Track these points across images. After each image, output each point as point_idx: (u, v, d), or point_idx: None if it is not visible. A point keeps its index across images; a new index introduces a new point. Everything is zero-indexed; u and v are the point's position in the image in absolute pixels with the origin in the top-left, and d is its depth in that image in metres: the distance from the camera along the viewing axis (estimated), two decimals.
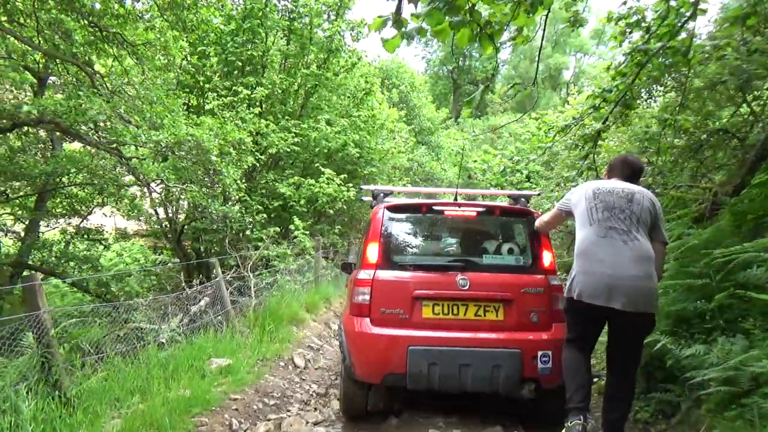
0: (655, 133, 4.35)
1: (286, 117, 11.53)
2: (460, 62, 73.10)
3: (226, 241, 9.85)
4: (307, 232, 10.03)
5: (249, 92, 10.68)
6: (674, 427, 3.71)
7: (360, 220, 14.86)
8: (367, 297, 3.98)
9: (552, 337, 3.86)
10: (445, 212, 4.38)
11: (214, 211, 9.43)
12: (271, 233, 10.06)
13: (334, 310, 9.32)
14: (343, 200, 11.26)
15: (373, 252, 4.14)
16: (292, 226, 9.80)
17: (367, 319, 3.95)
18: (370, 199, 5.16)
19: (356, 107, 12.60)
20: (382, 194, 4.86)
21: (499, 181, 11.38)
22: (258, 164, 11.00)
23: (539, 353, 3.79)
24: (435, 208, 4.36)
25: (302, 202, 10.79)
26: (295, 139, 10.83)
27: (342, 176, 11.19)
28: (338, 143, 11.73)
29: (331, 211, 11.06)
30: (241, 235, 10.52)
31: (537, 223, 3.81)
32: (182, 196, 10.11)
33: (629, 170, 3.43)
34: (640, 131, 4.93)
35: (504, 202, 5.04)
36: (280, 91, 11.66)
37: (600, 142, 4.51)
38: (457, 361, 3.77)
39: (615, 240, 3.08)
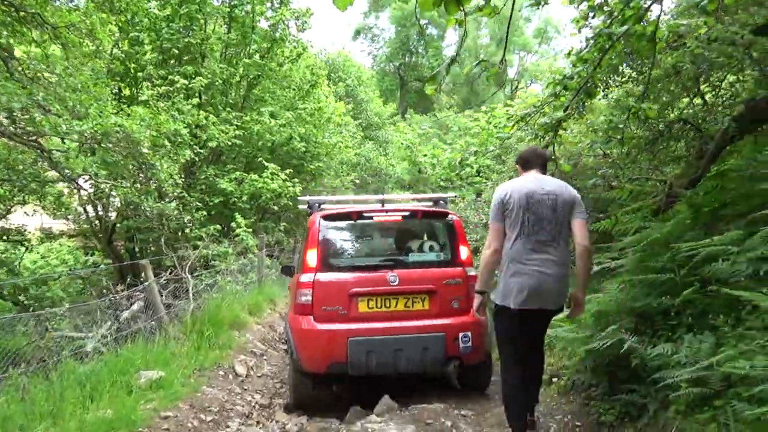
0: (619, 122, 4.18)
1: (228, 109, 10.92)
2: (406, 58, 73.34)
3: (162, 240, 9.21)
4: (250, 230, 9.51)
5: (186, 82, 10.02)
6: (641, 430, 3.52)
7: (306, 216, 14.44)
8: (310, 297, 4.51)
9: (471, 320, 4.42)
10: (374, 217, 4.90)
11: (147, 209, 8.78)
12: (211, 231, 9.48)
13: (280, 312, 8.85)
14: (288, 196, 10.77)
15: (312, 257, 4.65)
16: (233, 224, 9.25)
17: (311, 317, 4.48)
18: (307, 207, 5.65)
19: (302, 100, 12.12)
20: (316, 204, 5.40)
21: (449, 175, 11.19)
22: (197, 158, 10.37)
23: (460, 335, 4.45)
24: (365, 214, 4.89)
25: (245, 198, 10.24)
26: (237, 132, 10.25)
27: (287, 171, 10.69)
28: (283, 137, 11.23)
29: (276, 208, 10.55)
30: (179, 234, 9.88)
31: (493, 246, 3.38)
32: (113, 193, 9.36)
33: (542, 160, 3.62)
34: (602, 121, 4.78)
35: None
36: (220, 82, 11.04)
37: (560, 132, 4.29)
38: (391, 347, 4.36)
39: (541, 252, 3.32)
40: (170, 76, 10.01)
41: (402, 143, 11.73)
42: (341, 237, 5.07)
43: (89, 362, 4.77)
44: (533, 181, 3.43)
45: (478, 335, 4.48)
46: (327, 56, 21.81)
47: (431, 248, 4.98)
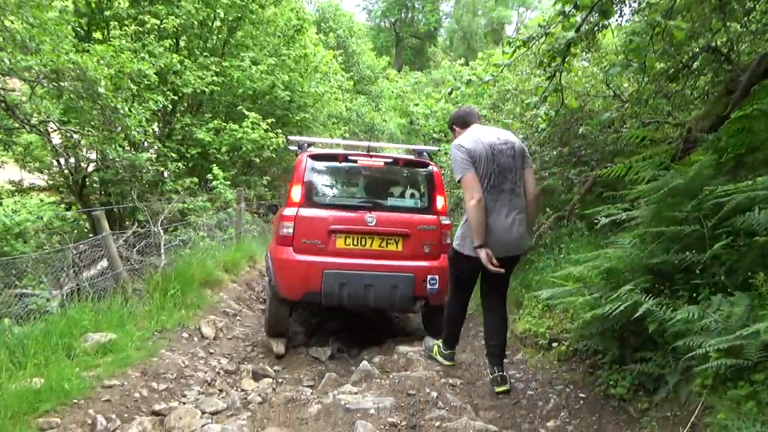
0: (642, 42, 3.54)
1: (205, 54, 10.11)
2: (402, 14, 71.30)
3: (134, 193, 8.58)
4: (228, 183, 8.88)
5: (158, 22, 9.19)
6: (659, 405, 3.01)
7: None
8: (291, 230, 4.75)
9: (440, 264, 4.73)
10: (359, 161, 5.08)
11: (117, 159, 8.11)
12: (188, 184, 8.86)
13: (260, 269, 8.31)
14: (271, 148, 10.09)
15: (296, 192, 4.88)
16: (209, 176, 8.61)
17: (291, 248, 4.74)
18: (296, 149, 5.79)
19: (286, 45, 11.28)
20: (306, 144, 5.63)
21: (443, 127, 10.52)
22: (171, 106, 9.64)
23: (428, 277, 4.72)
24: (350, 158, 5.06)
25: (223, 149, 9.56)
26: (215, 79, 9.49)
27: (269, 121, 9.98)
28: (265, 85, 10.46)
29: (257, 160, 9.89)
30: (155, 187, 9.25)
31: (475, 197, 3.31)
32: (81, 141, 8.67)
33: (477, 113, 3.77)
34: (620, 41, 4.13)
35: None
36: (196, 24, 10.19)
37: (569, 59, 3.65)
38: (363, 282, 4.63)
39: (504, 201, 3.40)
40: (140, 16, 9.17)
41: (392, 92, 10.94)
42: (325, 176, 5.24)
43: (30, 324, 4.20)
44: (488, 133, 3.48)
45: (444, 279, 4.58)
46: (317, 5, 20.71)
47: (411, 195, 5.19)
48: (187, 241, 7.68)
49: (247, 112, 9.68)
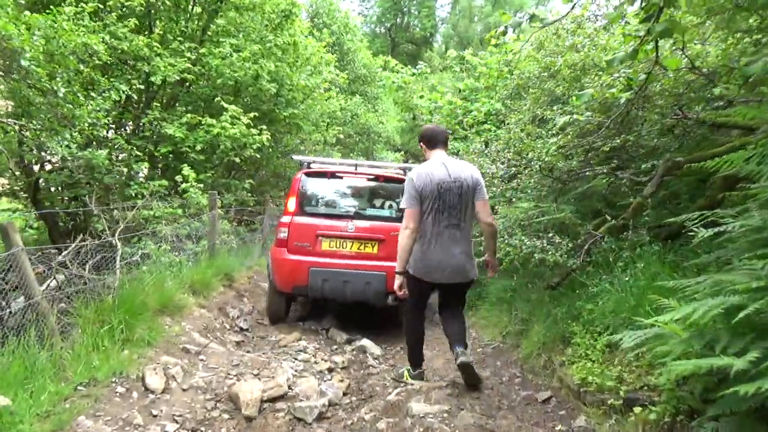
0: None
1: (179, 39, 8.84)
2: (398, 19, 70.58)
3: (92, 198, 7.27)
4: (201, 185, 7.58)
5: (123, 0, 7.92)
6: None
7: (285, 177, 12.53)
8: (286, 234, 5.80)
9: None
10: (344, 177, 6.13)
11: (68, 158, 6.80)
12: (155, 188, 7.54)
13: (238, 289, 7.00)
14: (254, 147, 8.80)
15: (292, 203, 5.94)
16: (178, 177, 7.31)
17: (285, 249, 5.77)
18: (299, 164, 6.67)
19: (273, 32, 10.01)
20: (306, 163, 6.43)
21: (450, 123, 9.26)
22: (137, 97, 8.36)
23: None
24: (337, 174, 6.13)
25: (198, 147, 8.26)
26: (189, 66, 8.21)
27: (251, 115, 8.69)
28: (248, 74, 9.17)
29: (237, 160, 8.59)
30: (124, 190, 7.95)
31: (410, 228, 3.74)
32: (25, 136, 7.36)
33: (444, 137, 4.01)
34: None
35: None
36: (170, 5, 8.93)
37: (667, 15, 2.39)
38: (342, 278, 5.57)
39: (448, 232, 3.74)
40: None
41: (393, 82, 9.71)
42: (316, 190, 6.13)
43: None
44: (442, 168, 3.75)
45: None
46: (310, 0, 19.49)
47: (388, 206, 5.95)
48: (150, 255, 6.37)
49: (226, 105, 8.39)
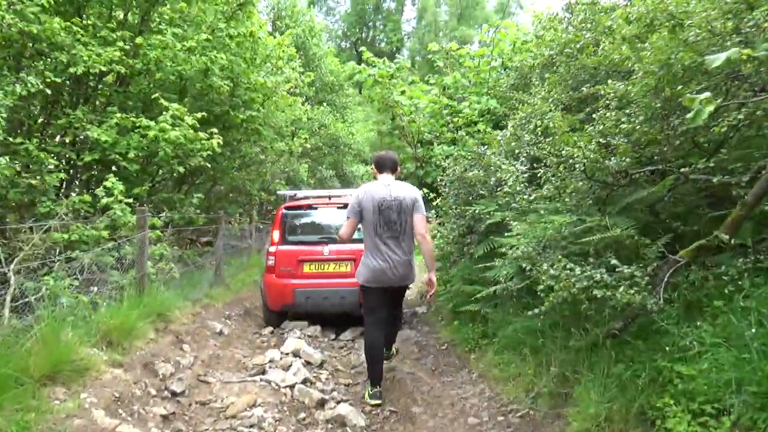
0: None
1: (109, 25, 7.29)
2: (363, 34, 70.01)
3: None
4: (134, 201, 6.02)
5: None
6: None
7: (244, 192, 11.06)
8: (273, 262, 6.92)
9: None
10: (319, 207, 7.35)
11: None
12: (73, 205, 5.97)
13: (178, 333, 5.45)
14: (203, 154, 7.28)
15: (276, 235, 7.07)
16: (98, 192, 5.74)
17: (273, 275, 6.88)
18: (284, 197, 8.48)
19: (226, 23, 8.54)
20: (288, 196, 8.18)
21: (434, 126, 7.93)
22: (55, 93, 6.78)
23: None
24: (313, 205, 7.40)
25: (131, 155, 6.70)
26: (118, 55, 6.67)
27: (199, 116, 7.19)
28: (195, 68, 7.67)
29: (181, 169, 7.02)
30: (41, 207, 6.30)
31: (341, 233, 4.66)
32: None
33: (392, 163, 4.68)
34: None
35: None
36: None
37: None
38: (321, 295, 6.69)
39: (388, 243, 4.46)
40: None
41: (369, 75, 8.33)
42: (296, 221, 7.27)
43: None
44: (385, 189, 4.50)
45: None
46: (273, 1, 18.08)
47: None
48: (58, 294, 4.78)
49: (165, 103, 6.87)
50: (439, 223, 6.71)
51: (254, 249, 11.06)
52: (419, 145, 7.86)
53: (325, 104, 18.26)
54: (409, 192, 4.51)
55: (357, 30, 67.60)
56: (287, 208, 7.27)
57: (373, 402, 4.40)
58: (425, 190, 8.36)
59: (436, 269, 4.82)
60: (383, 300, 4.62)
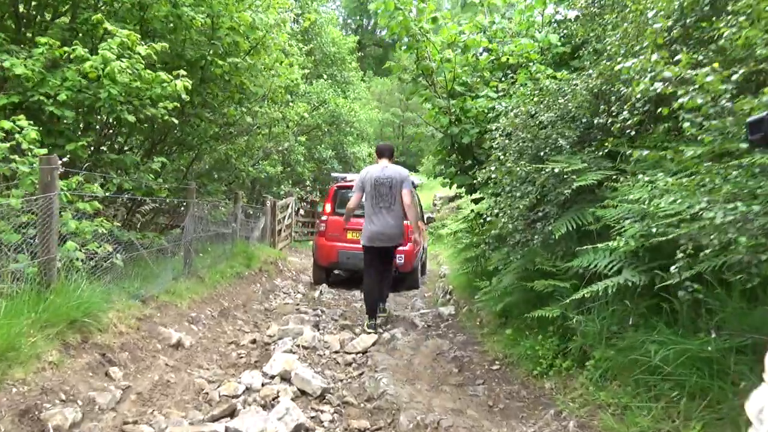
0: None
1: None
2: (364, 21, 68.16)
3: None
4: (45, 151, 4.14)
5: None
6: None
7: (232, 169, 9.30)
8: (324, 227, 8.79)
9: (405, 249, 7.75)
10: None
11: None
12: None
13: (107, 347, 3.60)
14: (168, 104, 5.42)
15: (328, 207, 8.96)
16: None
17: (324, 237, 8.71)
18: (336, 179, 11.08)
19: None
20: (340, 178, 10.75)
21: (475, 68, 6.15)
22: None
23: (397, 255, 6.92)
24: None
25: (62, 96, 4.83)
26: None
27: (158, 47, 5.31)
28: None
29: (130, 118, 5.11)
30: None
31: (349, 204, 6.00)
32: None
33: (389, 151, 5.84)
34: None
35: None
36: None
37: None
38: (358, 257, 6.48)
39: (381, 211, 5.58)
40: None
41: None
42: (344, 197, 8.42)
43: None
44: (380, 170, 5.62)
45: (408, 257, 8.26)
46: None
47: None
48: None
49: (110, 26, 5.00)
50: (493, 196, 4.82)
51: (240, 236, 9.21)
52: (451, 96, 5.98)
53: (325, 76, 16.37)
54: (399, 173, 5.66)
55: (358, 17, 65.66)
56: (339, 187, 9.10)
57: (369, 331, 5.49)
58: (457, 156, 6.51)
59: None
60: (377, 258, 5.76)
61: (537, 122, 4.20)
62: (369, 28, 64.91)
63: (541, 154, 4.08)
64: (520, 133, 4.21)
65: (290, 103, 10.72)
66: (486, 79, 6.43)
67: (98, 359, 3.46)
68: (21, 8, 5.87)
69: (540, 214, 3.98)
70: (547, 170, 3.78)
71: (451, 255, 11.89)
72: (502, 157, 4.11)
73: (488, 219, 5.81)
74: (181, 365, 4.12)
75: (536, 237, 3.84)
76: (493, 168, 4.26)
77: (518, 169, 3.84)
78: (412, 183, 6.47)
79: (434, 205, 17.69)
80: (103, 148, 6.57)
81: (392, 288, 7.10)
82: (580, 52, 5.53)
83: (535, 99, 4.38)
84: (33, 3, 5.92)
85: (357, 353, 5.05)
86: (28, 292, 3.26)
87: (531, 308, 4.29)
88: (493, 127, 4.51)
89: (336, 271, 9.51)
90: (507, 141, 4.23)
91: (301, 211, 16.62)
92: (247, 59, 7.45)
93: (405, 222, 5.92)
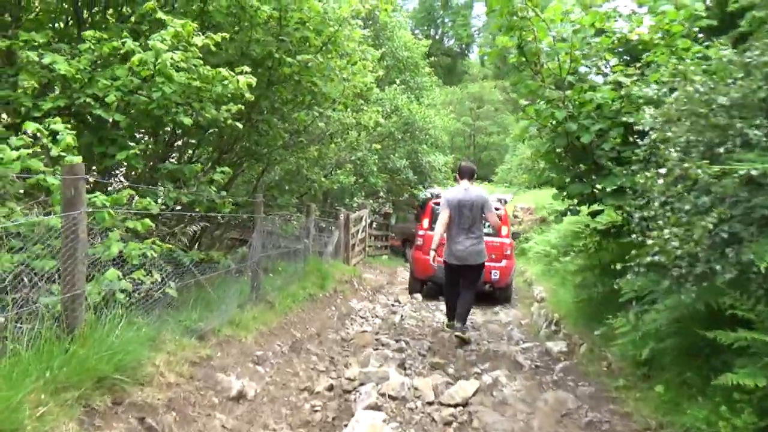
0: None
1: None
2: (431, 31, 67.54)
3: None
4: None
5: None
6: None
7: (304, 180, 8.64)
8: (422, 242, 9.24)
9: (500, 265, 8.96)
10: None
11: None
12: None
13: (156, 409, 2.80)
14: (232, 107, 4.68)
15: (425, 222, 9.47)
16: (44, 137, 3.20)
17: (421, 252, 9.02)
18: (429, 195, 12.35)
19: None
20: (434, 195, 11.69)
21: (597, 51, 5.06)
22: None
23: (492, 271, 8.71)
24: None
25: (111, 97, 4.16)
26: None
27: (217, 36, 4.58)
28: None
29: (187, 121, 4.36)
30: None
31: (437, 228, 6.02)
32: None
33: (470, 172, 6.07)
34: None
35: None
36: None
37: None
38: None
39: (464, 233, 5.83)
40: None
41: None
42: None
43: None
44: (463, 192, 5.87)
45: (503, 273, 8.95)
46: None
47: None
48: None
49: (163, 16, 4.32)
50: (637, 209, 3.61)
51: (312, 252, 8.45)
52: (566, 84, 4.88)
53: (398, 82, 15.52)
54: (481, 195, 5.98)
55: (426, 27, 65.08)
56: (435, 203, 9.30)
57: (449, 329, 6.04)
58: (568, 162, 5.39)
59: None
60: (457, 274, 6.01)
61: (709, 107, 3.06)
62: (437, 37, 64.11)
63: (721, 150, 2.93)
64: (685, 121, 3.08)
65: (364, 108, 9.90)
66: (599, 66, 5.31)
67: (134, 427, 2.64)
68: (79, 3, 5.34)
69: (724, 235, 2.83)
70: (738, 174, 2.65)
71: (542, 272, 10.64)
72: (671, 153, 2.96)
73: (617, 237, 4.65)
74: (242, 425, 3.27)
75: (727, 268, 2.69)
76: (648, 174, 3.13)
77: (700, 172, 2.71)
78: (504, 201, 7.02)
79: (515, 216, 16.35)
80: (172, 159, 5.98)
81: (487, 301, 8.04)
82: (739, 21, 4.30)
83: (699, 78, 3.23)
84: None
85: (456, 405, 4.05)
86: (43, 341, 2.49)
87: (691, 360, 3.18)
88: (647, 116, 3.37)
89: (429, 283, 9.86)
90: (669, 134, 3.10)
91: (374, 224, 15.80)
92: (318, 57, 6.66)
93: (486, 240, 6.26)
